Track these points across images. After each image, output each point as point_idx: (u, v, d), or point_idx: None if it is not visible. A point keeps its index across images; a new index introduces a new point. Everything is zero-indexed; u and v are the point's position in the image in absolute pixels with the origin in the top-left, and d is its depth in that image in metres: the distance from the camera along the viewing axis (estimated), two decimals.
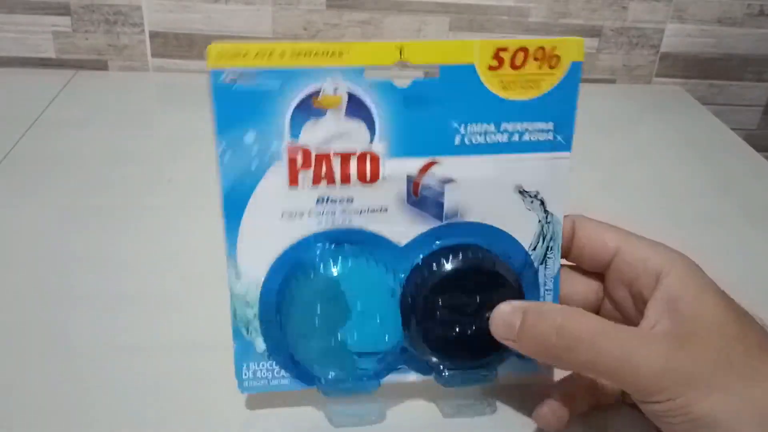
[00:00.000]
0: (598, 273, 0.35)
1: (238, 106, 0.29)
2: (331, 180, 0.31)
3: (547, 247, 0.34)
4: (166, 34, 0.74)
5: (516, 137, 0.32)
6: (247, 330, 0.32)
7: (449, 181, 0.32)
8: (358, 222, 0.32)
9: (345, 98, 0.30)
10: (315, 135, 0.30)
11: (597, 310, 0.35)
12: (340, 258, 0.31)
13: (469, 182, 0.32)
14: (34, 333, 0.39)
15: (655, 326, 0.31)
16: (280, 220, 0.31)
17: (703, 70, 0.80)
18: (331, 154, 0.30)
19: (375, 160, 0.31)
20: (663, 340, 0.29)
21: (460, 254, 0.32)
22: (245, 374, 0.33)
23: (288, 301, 0.32)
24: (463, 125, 0.31)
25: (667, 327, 0.30)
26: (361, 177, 0.31)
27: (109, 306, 0.41)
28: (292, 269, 0.32)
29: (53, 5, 0.72)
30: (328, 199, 0.31)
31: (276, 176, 0.30)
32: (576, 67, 0.31)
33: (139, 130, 0.63)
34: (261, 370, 0.33)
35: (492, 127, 0.32)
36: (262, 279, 0.32)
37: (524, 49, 0.31)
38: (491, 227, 0.33)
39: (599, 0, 0.75)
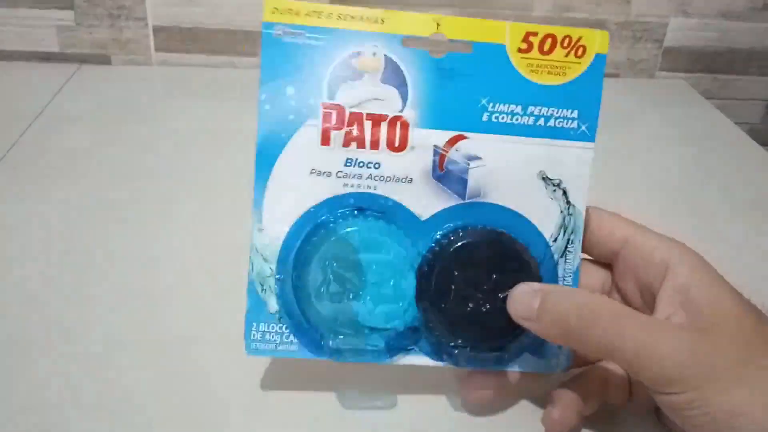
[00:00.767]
0: (607, 264, 0.35)
1: (283, 60, 0.31)
2: (361, 144, 0.32)
3: (568, 239, 0.34)
4: (170, 28, 0.74)
5: (542, 121, 0.33)
6: (262, 287, 0.32)
7: (475, 158, 0.32)
8: (383, 189, 0.32)
9: (383, 63, 0.31)
10: (351, 96, 0.31)
11: None
12: (361, 225, 0.32)
13: (493, 162, 0.33)
14: (34, 328, 0.39)
15: (670, 318, 0.30)
16: (308, 177, 0.32)
17: (706, 65, 0.80)
18: (364, 116, 0.31)
19: (405, 126, 0.32)
20: (684, 331, 0.29)
21: (481, 231, 0.33)
22: (254, 335, 0.33)
23: (304, 260, 0.32)
24: (491, 103, 0.32)
25: (684, 319, 0.30)
26: (390, 144, 0.32)
27: (114, 300, 0.42)
28: (313, 229, 0.32)
29: None
30: (356, 162, 0.32)
31: (309, 133, 0.32)
32: (600, 59, 0.32)
33: (142, 125, 0.63)
34: (270, 332, 0.33)
35: (519, 108, 0.32)
36: (284, 235, 0.32)
37: (552, 36, 0.32)
38: (513, 212, 0.33)
39: None
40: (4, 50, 0.74)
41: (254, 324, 0.33)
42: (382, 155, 0.32)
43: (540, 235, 0.33)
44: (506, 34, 0.32)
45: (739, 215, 0.54)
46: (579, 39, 0.32)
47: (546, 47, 0.32)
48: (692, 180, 0.59)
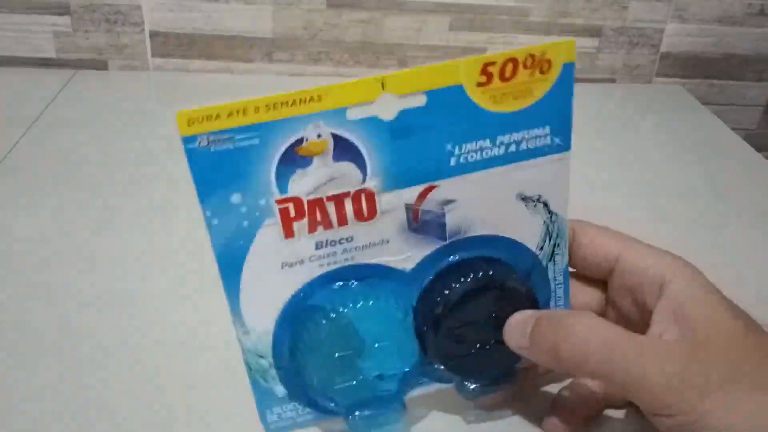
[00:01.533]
0: (601, 280, 0.35)
1: (218, 170, 0.28)
2: (327, 225, 0.30)
3: (555, 244, 0.34)
4: (167, 33, 0.74)
5: (513, 147, 0.31)
6: (265, 379, 0.32)
7: (449, 202, 0.31)
8: (361, 257, 0.31)
9: (330, 142, 0.29)
10: (304, 185, 0.29)
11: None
12: (347, 297, 0.31)
13: (469, 199, 0.31)
14: (31, 332, 0.39)
15: (663, 336, 0.30)
16: (280, 272, 0.30)
17: (703, 70, 0.80)
18: (324, 200, 0.29)
19: (370, 197, 0.30)
20: (675, 352, 0.29)
21: (468, 272, 0.32)
22: (270, 418, 0.33)
23: (301, 347, 0.31)
24: (457, 146, 0.30)
25: (677, 335, 0.30)
26: (358, 216, 0.30)
27: (110, 305, 0.41)
28: (300, 314, 0.31)
29: (53, 5, 0.72)
30: (327, 242, 0.30)
31: (270, 232, 0.29)
32: (568, 67, 0.30)
33: (139, 130, 0.63)
34: (285, 411, 0.33)
35: (487, 143, 0.30)
36: (271, 329, 0.31)
37: (513, 60, 0.29)
38: (496, 237, 0.33)
39: (599, 0, 0.75)
40: (1, 56, 0.74)
41: (267, 411, 0.33)
42: (353, 228, 0.30)
43: (526, 248, 0.33)
44: (461, 73, 0.29)
45: (736, 221, 0.54)
46: (543, 54, 0.30)
47: (507, 73, 0.29)
48: (689, 186, 0.59)
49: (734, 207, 0.56)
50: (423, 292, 0.32)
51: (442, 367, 0.33)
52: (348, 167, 0.29)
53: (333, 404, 0.32)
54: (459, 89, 0.29)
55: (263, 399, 0.32)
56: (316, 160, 0.29)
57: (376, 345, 0.31)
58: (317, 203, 0.29)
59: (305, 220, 0.29)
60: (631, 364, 0.28)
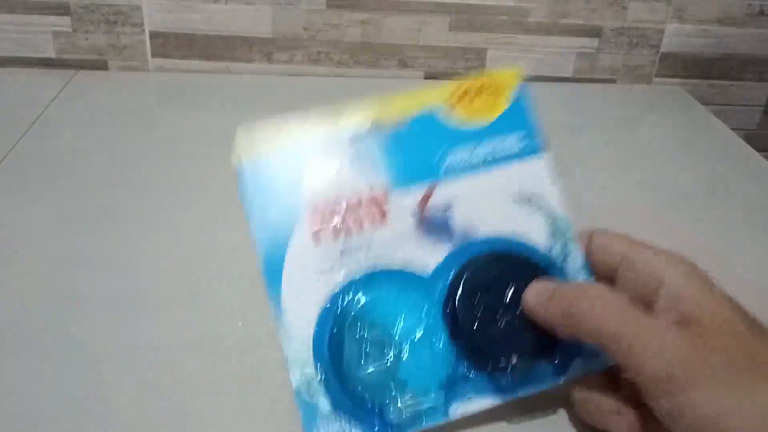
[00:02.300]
0: (610, 280, 0.36)
1: (259, 188, 0.35)
2: (348, 231, 0.35)
3: (563, 243, 0.36)
4: (167, 34, 0.74)
5: (491, 155, 0.36)
6: (309, 391, 0.33)
7: (451, 204, 0.35)
8: (383, 262, 0.35)
9: (344, 156, 0.35)
10: (326, 193, 0.35)
11: None
12: (375, 299, 0.34)
13: (467, 202, 0.35)
14: (34, 333, 0.39)
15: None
16: (314, 278, 0.34)
17: (703, 70, 0.80)
18: (342, 206, 0.35)
19: (380, 200, 0.35)
20: (677, 339, 0.30)
21: (484, 255, 0.35)
22: None
23: (337, 350, 0.33)
24: (444, 155, 0.36)
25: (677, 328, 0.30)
26: (373, 220, 0.35)
27: (110, 305, 0.41)
28: (334, 320, 0.34)
29: (53, 5, 0.72)
30: (350, 249, 0.34)
31: (301, 239, 0.34)
32: (521, 87, 0.37)
33: (139, 130, 0.63)
34: (330, 431, 0.33)
35: (468, 151, 0.36)
36: (311, 338, 0.34)
37: (472, 87, 0.36)
38: (506, 238, 0.35)
39: (599, 0, 0.75)
40: (1, 56, 0.74)
41: (314, 430, 0.33)
42: (370, 233, 0.35)
43: (536, 249, 0.36)
44: (434, 100, 0.36)
45: (736, 221, 0.54)
46: (495, 81, 0.37)
47: (470, 97, 0.36)
48: (689, 186, 0.59)
49: (734, 207, 0.56)
50: (448, 287, 0.34)
51: (474, 350, 0.33)
52: (357, 178, 0.35)
53: (378, 415, 0.33)
54: (433, 113, 0.36)
55: (309, 417, 0.33)
56: (334, 172, 0.35)
57: (413, 353, 0.33)
58: (337, 210, 0.35)
59: (329, 228, 0.34)
60: (638, 331, 0.30)
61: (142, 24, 0.73)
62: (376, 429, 0.33)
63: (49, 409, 0.35)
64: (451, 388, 0.34)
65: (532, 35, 0.76)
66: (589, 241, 0.36)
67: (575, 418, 0.35)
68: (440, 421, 0.33)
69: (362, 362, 0.33)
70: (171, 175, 0.56)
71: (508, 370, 0.34)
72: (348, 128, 0.35)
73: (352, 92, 0.71)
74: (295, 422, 0.33)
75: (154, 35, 0.74)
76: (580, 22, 0.76)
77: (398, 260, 0.35)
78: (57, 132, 0.61)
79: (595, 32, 0.77)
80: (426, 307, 0.34)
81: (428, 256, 0.35)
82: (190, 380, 0.37)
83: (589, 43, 0.77)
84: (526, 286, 0.34)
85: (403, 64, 0.77)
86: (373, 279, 0.34)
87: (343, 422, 0.33)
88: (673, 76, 0.80)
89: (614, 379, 0.34)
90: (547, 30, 0.76)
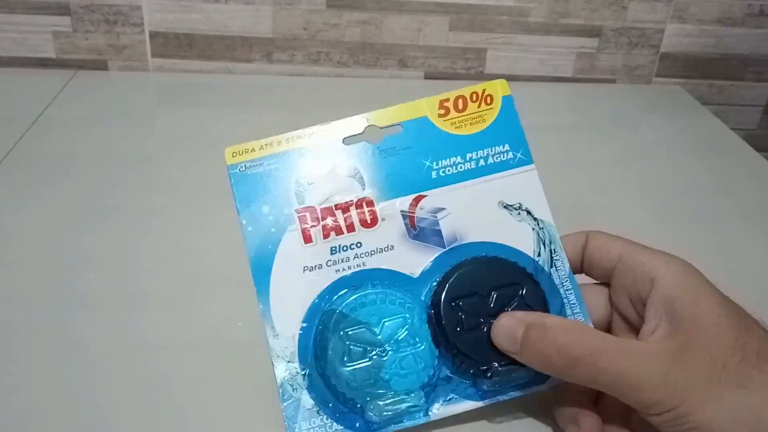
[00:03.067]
0: (607, 283, 0.36)
1: (252, 188, 0.35)
2: (338, 231, 0.35)
3: (551, 250, 0.36)
4: (166, 34, 0.74)
5: (482, 162, 0.37)
6: (293, 387, 0.33)
7: (440, 209, 0.36)
8: (371, 263, 0.35)
9: (337, 157, 0.36)
10: (317, 196, 0.35)
11: (610, 321, 0.36)
12: (362, 297, 0.34)
13: (456, 208, 0.36)
14: (35, 333, 0.39)
15: (655, 331, 0.31)
16: (302, 275, 0.35)
17: (703, 70, 0.80)
18: (333, 207, 0.35)
19: (370, 203, 0.36)
20: (660, 353, 0.30)
21: (471, 259, 0.35)
22: None
23: (323, 346, 0.33)
24: (434, 162, 0.36)
25: (667, 331, 0.31)
26: (363, 222, 0.35)
27: (109, 305, 0.42)
28: (321, 317, 0.34)
29: (53, 5, 0.72)
30: (340, 248, 0.35)
31: (292, 237, 0.35)
32: (508, 100, 0.37)
33: (139, 130, 0.63)
34: (313, 427, 0.33)
35: (459, 159, 0.37)
36: (297, 333, 0.34)
37: (462, 96, 0.37)
38: (494, 244, 0.36)
39: (599, 0, 0.75)
40: (1, 56, 0.74)
41: (295, 425, 0.33)
42: (360, 234, 0.35)
43: (524, 254, 0.36)
44: (425, 108, 0.37)
45: (737, 221, 0.54)
46: (484, 91, 0.37)
47: (460, 106, 0.37)
48: (688, 186, 0.59)
49: (734, 207, 0.56)
50: (434, 289, 0.35)
51: (459, 355, 0.33)
52: (350, 182, 0.36)
53: (360, 412, 0.33)
54: (426, 120, 0.37)
55: (291, 412, 0.33)
56: (325, 177, 0.36)
57: (397, 352, 0.34)
58: (328, 211, 0.35)
59: (320, 227, 0.35)
60: (618, 369, 0.30)
61: (142, 24, 0.73)
62: (358, 426, 0.33)
63: (48, 408, 0.35)
64: (433, 389, 0.34)
65: (532, 35, 0.76)
66: (585, 243, 0.36)
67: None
68: (421, 420, 0.34)
69: (346, 360, 0.33)
70: (170, 175, 0.56)
71: (490, 375, 0.33)
72: (342, 131, 0.36)
73: (352, 92, 0.72)
74: (281, 419, 0.33)
75: (154, 35, 0.74)
76: (580, 22, 0.76)
77: (387, 262, 0.35)
78: (57, 132, 0.61)
79: (595, 32, 0.77)
80: (412, 308, 0.34)
81: (416, 259, 0.35)
82: (190, 380, 0.37)
83: (589, 43, 0.77)
84: (512, 291, 0.34)
85: (403, 64, 0.77)
86: (360, 278, 0.35)
87: (325, 418, 0.33)
88: (673, 76, 0.80)
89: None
90: (547, 30, 0.76)
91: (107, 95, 0.69)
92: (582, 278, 0.37)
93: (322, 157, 0.36)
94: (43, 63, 0.74)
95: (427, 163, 0.36)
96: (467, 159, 0.37)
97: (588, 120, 0.71)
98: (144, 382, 0.36)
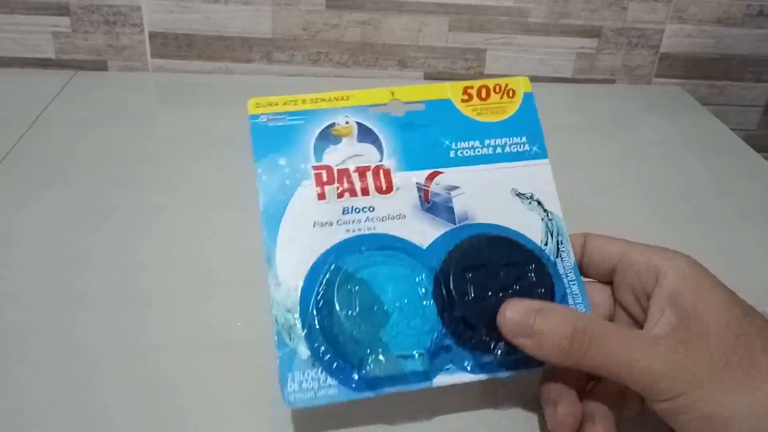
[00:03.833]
0: (608, 282, 0.36)
1: (271, 139, 0.36)
2: (353, 193, 0.36)
3: (557, 241, 0.37)
4: (166, 34, 0.74)
5: (499, 149, 0.38)
6: (290, 336, 0.33)
7: (454, 188, 0.37)
8: (381, 228, 0.36)
9: (355, 127, 0.37)
10: (335, 157, 0.36)
11: (611, 319, 0.36)
12: (371, 258, 0.34)
13: (470, 188, 0.37)
14: (35, 333, 0.39)
15: (659, 323, 0.31)
16: (312, 230, 0.35)
17: (702, 71, 0.80)
18: (350, 170, 0.36)
19: (387, 172, 0.36)
20: (667, 340, 0.30)
21: (483, 234, 0.36)
22: (290, 386, 0.32)
23: (326, 301, 0.33)
24: (453, 143, 0.38)
25: (672, 324, 0.31)
26: (378, 189, 0.36)
27: (109, 305, 0.42)
28: (327, 272, 0.34)
29: (53, 5, 0.72)
30: (352, 209, 0.36)
31: (306, 192, 0.35)
32: (528, 97, 0.39)
33: (139, 131, 0.63)
34: (306, 380, 0.32)
35: (477, 143, 0.38)
36: (301, 284, 0.34)
37: (485, 86, 0.39)
38: (502, 227, 0.36)
39: (599, 0, 0.75)
40: (1, 57, 0.74)
41: (289, 374, 0.32)
42: (374, 199, 0.36)
43: (532, 242, 0.36)
44: (449, 91, 0.38)
45: (737, 221, 0.54)
46: (507, 85, 0.39)
47: (483, 95, 0.38)
48: (688, 186, 0.59)
49: (734, 207, 0.56)
50: (444, 258, 0.35)
51: (463, 323, 0.33)
52: (369, 147, 0.37)
53: (356, 369, 0.33)
54: (449, 102, 0.38)
55: (286, 361, 0.33)
56: (344, 140, 0.37)
57: (399, 317, 0.33)
58: (345, 172, 0.36)
59: (335, 186, 0.36)
60: (626, 354, 0.30)
61: (141, 24, 0.73)
62: (354, 378, 0.33)
63: (48, 408, 0.35)
64: (433, 358, 0.33)
65: (532, 35, 0.76)
66: (583, 243, 0.36)
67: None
68: (420, 386, 0.33)
69: (348, 319, 0.33)
70: (171, 175, 0.56)
71: (491, 348, 0.33)
72: (365, 99, 0.37)
73: None
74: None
75: (153, 35, 0.74)
76: (580, 22, 0.76)
77: (397, 229, 0.36)
78: (57, 132, 0.61)
79: (594, 32, 0.77)
80: (419, 275, 0.34)
81: (426, 231, 0.36)
82: (190, 380, 0.37)
83: (588, 43, 0.77)
84: (520, 269, 0.34)
85: (402, 65, 0.77)
86: (370, 241, 0.35)
87: (320, 371, 0.33)
88: (673, 77, 0.80)
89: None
90: (547, 30, 0.76)
91: (107, 95, 0.69)
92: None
93: (344, 121, 0.37)
94: (43, 63, 0.74)
95: (446, 143, 0.37)
96: (485, 144, 0.38)
97: (588, 120, 0.71)
98: (144, 382, 0.36)
